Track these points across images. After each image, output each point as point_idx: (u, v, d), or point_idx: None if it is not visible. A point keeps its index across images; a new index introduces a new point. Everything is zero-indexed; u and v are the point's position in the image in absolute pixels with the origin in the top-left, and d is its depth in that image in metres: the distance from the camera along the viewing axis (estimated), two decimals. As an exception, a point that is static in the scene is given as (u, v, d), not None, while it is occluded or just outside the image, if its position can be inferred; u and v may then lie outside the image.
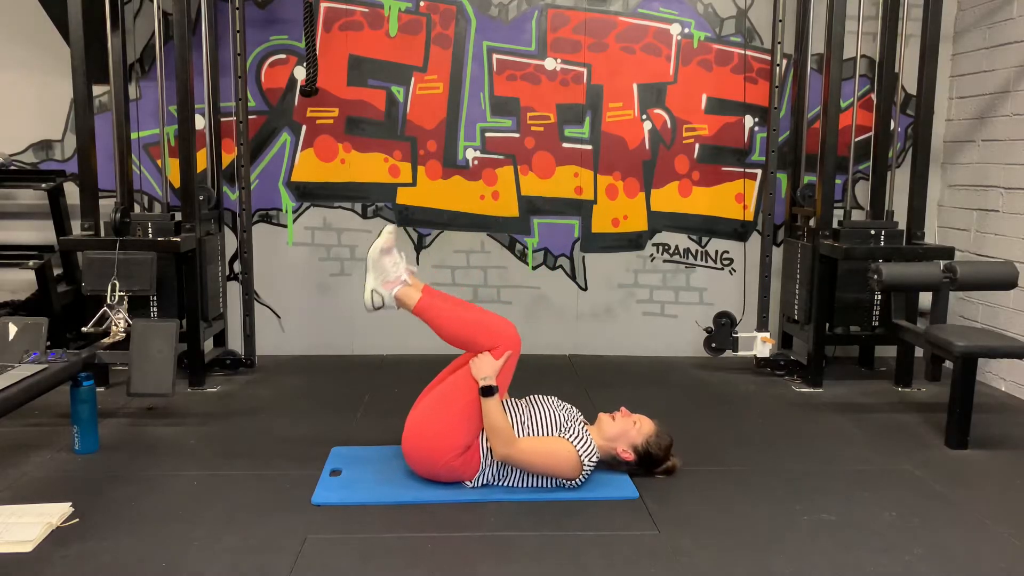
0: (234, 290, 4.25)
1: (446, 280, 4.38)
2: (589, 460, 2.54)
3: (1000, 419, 3.48)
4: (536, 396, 2.76)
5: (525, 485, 2.61)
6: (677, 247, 4.44)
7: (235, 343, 4.23)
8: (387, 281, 2.60)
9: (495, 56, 4.23)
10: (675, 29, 4.26)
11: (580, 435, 2.56)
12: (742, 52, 4.29)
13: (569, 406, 2.74)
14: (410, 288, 2.63)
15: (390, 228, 2.66)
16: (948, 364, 3.33)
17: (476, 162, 4.30)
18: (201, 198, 3.83)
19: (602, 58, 4.25)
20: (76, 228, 3.77)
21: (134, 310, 3.54)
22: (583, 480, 2.58)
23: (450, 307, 2.65)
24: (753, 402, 3.71)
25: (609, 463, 2.68)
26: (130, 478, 2.70)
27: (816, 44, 4.16)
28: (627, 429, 2.64)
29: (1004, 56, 3.96)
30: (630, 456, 2.64)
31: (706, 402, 3.70)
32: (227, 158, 4.17)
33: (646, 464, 2.67)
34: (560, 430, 2.58)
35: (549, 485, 2.60)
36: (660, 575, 2.13)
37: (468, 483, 2.60)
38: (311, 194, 4.29)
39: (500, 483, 2.61)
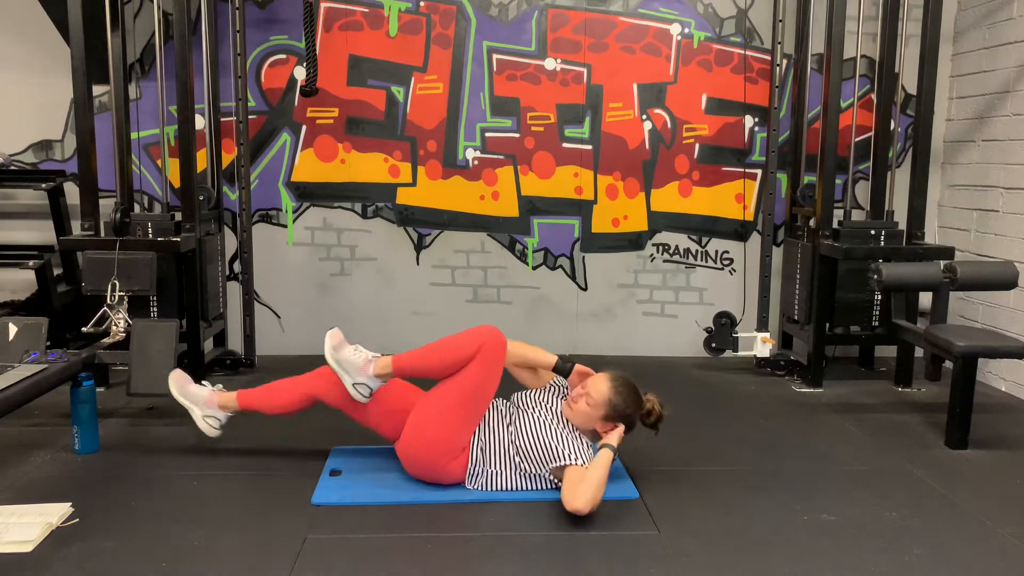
0: (234, 290, 4.25)
1: (446, 280, 4.38)
2: (588, 460, 2.52)
3: (1000, 419, 3.48)
4: (524, 400, 2.74)
5: (518, 488, 2.60)
6: (677, 247, 4.44)
7: (235, 343, 4.24)
8: (359, 369, 2.63)
9: (495, 56, 4.23)
10: (675, 29, 4.26)
11: (571, 449, 2.52)
12: (742, 52, 4.29)
13: (548, 408, 2.68)
14: (381, 359, 2.65)
15: (329, 332, 2.68)
16: (948, 364, 3.33)
17: (476, 162, 4.30)
18: (201, 198, 3.83)
19: (602, 58, 4.25)
20: (76, 228, 3.77)
21: (134, 310, 3.54)
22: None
23: (424, 351, 2.67)
24: (753, 402, 3.71)
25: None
26: (130, 478, 2.70)
27: (816, 44, 4.16)
28: (586, 412, 2.58)
29: (1004, 56, 3.95)
30: (610, 431, 2.58)
31: (706, 402, 3.70)
32: (227, 158, 4.17)
33: (630, 425, 2.63)
34: (549, 437, 2.54)
35: (547, 487, 2.59)
36: (660, 575, 2.13)
37: (467, 484, 2.61)
38: (311, 194, 4.29)
39: (492, 488, 2.60)
